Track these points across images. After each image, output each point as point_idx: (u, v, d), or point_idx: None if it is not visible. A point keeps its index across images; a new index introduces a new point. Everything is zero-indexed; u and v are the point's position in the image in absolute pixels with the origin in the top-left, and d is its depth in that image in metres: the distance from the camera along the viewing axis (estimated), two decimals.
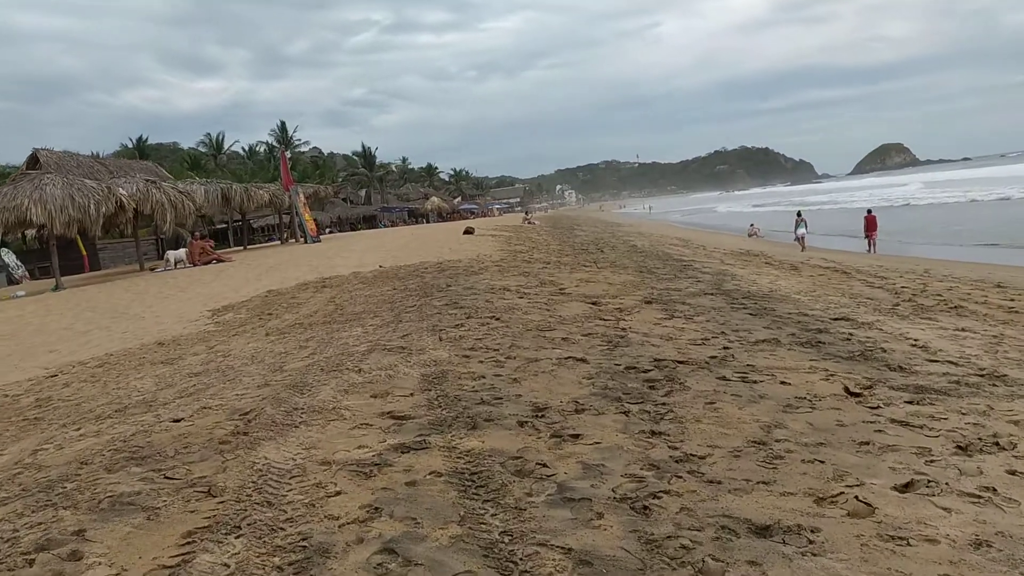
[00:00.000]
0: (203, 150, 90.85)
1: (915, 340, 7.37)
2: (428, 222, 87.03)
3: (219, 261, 23.88)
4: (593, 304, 9.32)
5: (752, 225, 41.57)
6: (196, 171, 69.45)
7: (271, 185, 38.70)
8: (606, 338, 6.89)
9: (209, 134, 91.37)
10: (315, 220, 39.80)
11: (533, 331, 7.12)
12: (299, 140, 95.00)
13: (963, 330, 8.17)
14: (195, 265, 23.41)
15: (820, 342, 7.04)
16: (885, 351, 6.67)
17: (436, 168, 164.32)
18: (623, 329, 7.48)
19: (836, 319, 8.71)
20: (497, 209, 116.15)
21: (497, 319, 7.58)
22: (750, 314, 8.89)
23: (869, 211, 28.97)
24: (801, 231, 27.75)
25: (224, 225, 46.81)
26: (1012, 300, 11.09)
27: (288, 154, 47.97)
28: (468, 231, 27.85)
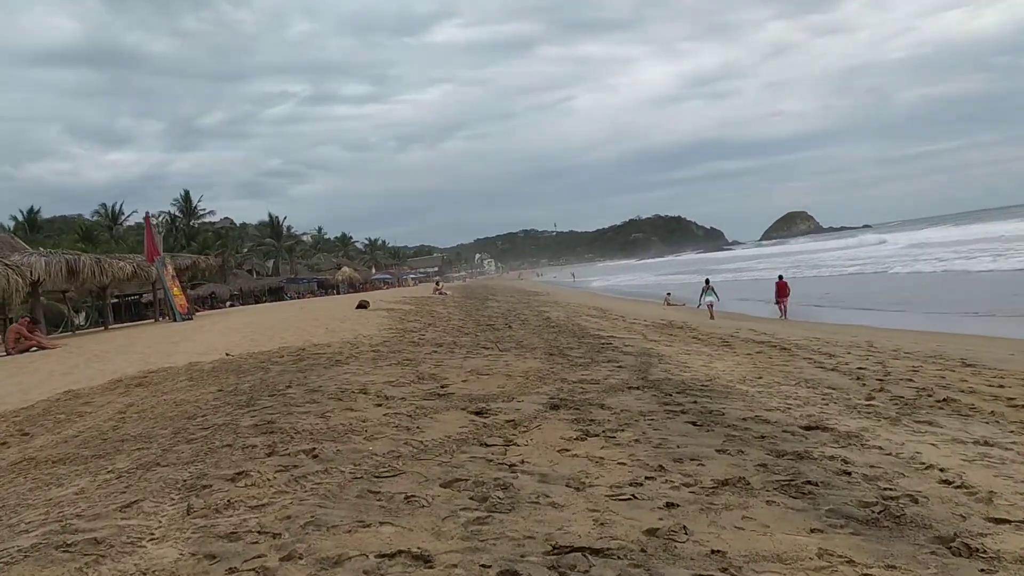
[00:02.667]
0: (100, 221, 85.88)
1: (940, 469, 4.98)
2: (339, 293, 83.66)
3: (39, 348, 20.14)
4: (478, 414, 6.69)
5: (668, 294, 40.11)
6: (88, 243, 64.54)
7: (136, 256, 34.81)
8: (480, 491, 4.25)
9: (104, 204, 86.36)
10: (187, 294, 35.69)
11: (364, 479, 4.43)
12: (204, 210, 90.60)
13: (986, 443, 5.87)
14: (9, 354, 19.54)
15: (809, 482, 4.57)
16: (916, 500, 4.25)
17: (351, 238, 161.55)
18: (512, 467, 4.87)
19: (809, 428, 6.31)
20: (412, 279, 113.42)
21: (315, 455, 4.87)
22: (693, 423, 6.41)
23: (780, 277, 28.36)
24: (710, 299, 27.14)
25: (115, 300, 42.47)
26: (1001, 387, 8.99)
27: (154, 220, 43.84)
28: (362, 305, 25.02)
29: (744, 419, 6.70)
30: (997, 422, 6.78)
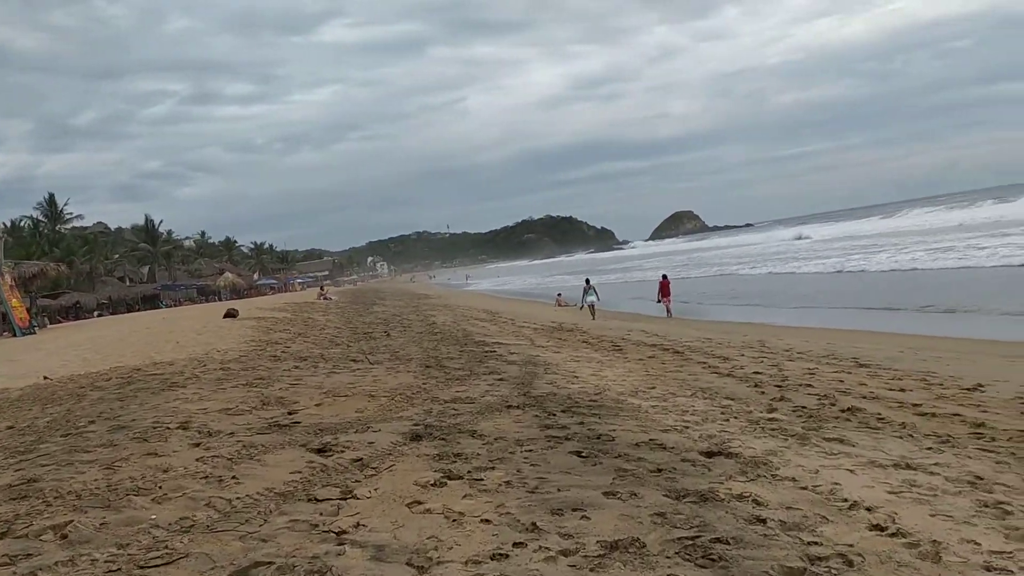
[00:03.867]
0: None
1: (867, 508, 4.13)
2: (220, 299, 79.76)
3: None
4: (320, 451, 5.48)
5: (559, 295, 39.60)
6: None
7: None
8: None
9: None
10: (27, 307, 32.15)
11: (120, 573, 3.17)
12: (71, 214, 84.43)
13: (907, 466, 5.11)
14: None
15: (718, 539, 3.61)
16: (850, 562, 3.34)
17: (235, 242, 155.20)
18: (342, 535, 3.72)
19: (711, 454, 5.42)
20: (299, 283, 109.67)
21: (65, 535, 3.56)
22: (578, 454, 5.40)
23: (664, 276, 28.40)
24: (590, 299, 26.87)
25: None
26: (902, 390, 8.44)
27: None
28: (229, 314, 23.12)
29: (637, 444, 5.75)
30: (911, 435, 6.08)
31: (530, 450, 5.54)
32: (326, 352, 12.96)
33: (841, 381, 9.26)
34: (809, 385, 8.93)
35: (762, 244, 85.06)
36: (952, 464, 5.13)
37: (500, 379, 9.59)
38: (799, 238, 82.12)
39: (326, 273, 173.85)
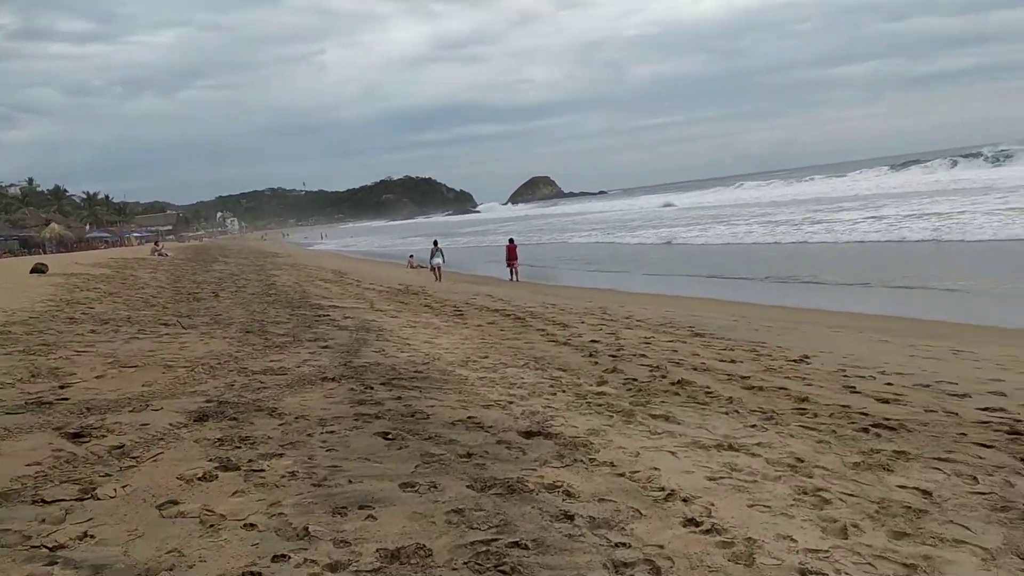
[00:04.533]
0: None
1: (684, 499, 3.81)
2: (45, 252, 73.45)
3: None
4: (76, 437, 4.63)
5: (411, 256, 38.83)
6: None
7: None
8: None
9: None
10: None
11: None
12: None
13: (730, 447, 4.87)
14: None
15: (516, 544, 3.16)
16: (657, 569, 2.96)
17: (66, 191, 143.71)
18: (56, 550, 3.00)
19: (530, 434, 5.00)
20: (136, 237, 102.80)
21: None
22: (385, 435, 4.84)
23: (511, 240, 28.17)
24: (436, 260, 26.74)
25: None
26: (732, 361, 8.39)
27: None
28: (37, 269, 20.84)
29: (453, 423, 5.25)
30: (737, 411, 5.90)
31: (331, 431, 4.93)
32: (135, 314, 11.72)
33: (675, 351, 9.16)
34: (643, 355, 8.75)
35: (623, 212, 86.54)
36: (774, 444, 4.94)
37: (325, 347, 8.87)
38: (667, 205, 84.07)
39: (169, 228, 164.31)
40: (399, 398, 6.03)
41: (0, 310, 11.12)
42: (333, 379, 6.74)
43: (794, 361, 8.39)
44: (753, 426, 5.45)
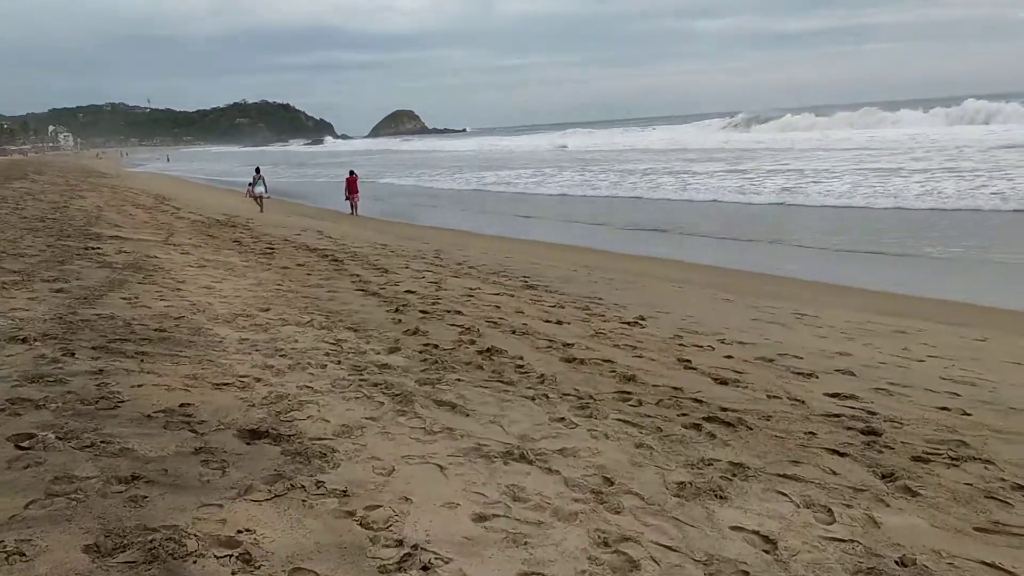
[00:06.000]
0: None
1: (428, 572, 2.51)
2: None
3: None
4: None
5: (250, 185, 35.79)
6: None
7: None
8: None
9: None
10: None
11: None
12: None
13: (522, 456, 3.65)
14: None
15: None
16: None
17: None
18: None
19: (258, 435, 3.59)
20: None
21: None
22: (21, 441, 3.29)
23: (352, 172, 26.33)
24: (259, 189, 24.94)
25: None
26: (559, 322, 7.24)
27: None
28: None
29: (151, 416, 3.76)
30: (546, 396, 4.69)
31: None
32: None
33: (498, 307, 7.93)
34: (459, 312, 7.46)
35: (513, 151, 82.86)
36: (582, 451, 3.75)
37: (58, 290, 7.03)
38: (563, 147, 78.84)
39: None
40: (100, 372, 4.43)
41: None
42: (24, 340, 5.01)
43: (628, 323, 7.34)
44: (561, 420, 4.25)
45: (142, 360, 4.82)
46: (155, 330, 5.72)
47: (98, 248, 10.21)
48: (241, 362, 5.03)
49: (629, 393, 4.86)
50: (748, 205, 22.97)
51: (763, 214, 21.16)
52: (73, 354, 4.77)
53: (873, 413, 4.63)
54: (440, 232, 19.17)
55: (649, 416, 4.40)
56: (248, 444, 3.54)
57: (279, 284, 8.75)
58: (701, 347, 6.40)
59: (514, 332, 6.64)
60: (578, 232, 19.18)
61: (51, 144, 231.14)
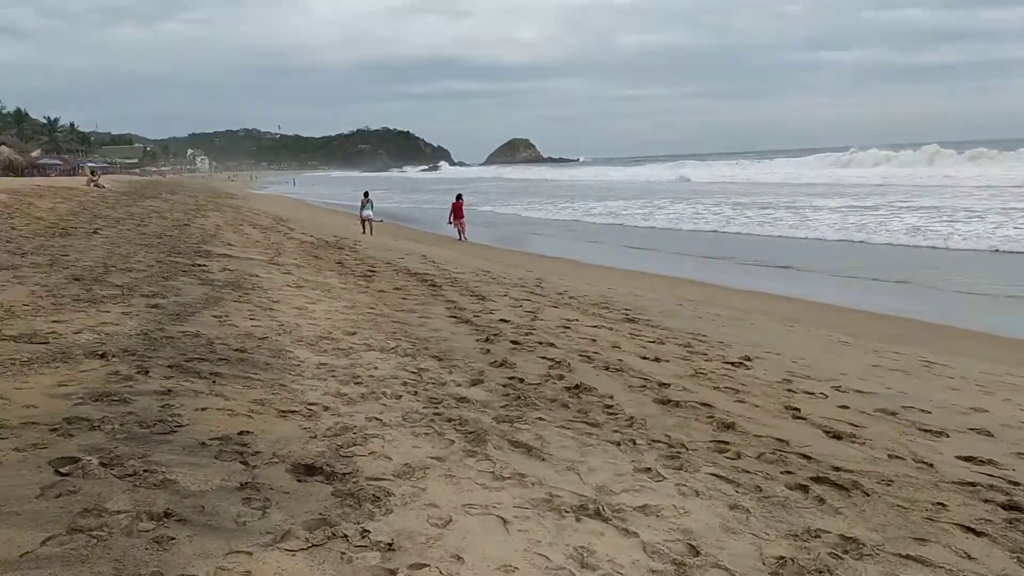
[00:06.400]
0: None
1: None
2: None
3: None
4: None
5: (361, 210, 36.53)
6: None
7: None
8: None
9: None
10: None
11: None
12: None
13: (596, 514, 3.23)
14: None
15: None
16: None
17: (27, 114, 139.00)
18: None
19: (310, 470, 3.32)
20: (90, 167, 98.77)
21: None
22: (62, 466, 3.12)
23: (459, 197, 26.07)
24: (367, 213, 25.28)
25: None
26: (657, 360, 6.75)
27: None
28: None
29: (207, 443, 3.55)
30: (633, 441, 4.25)
31: None
32: None
33: (594, 340, 7.50)
34: (551, 344, 7.07)
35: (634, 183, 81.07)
36: (666, 509, 3.30)
37: (154, 305, 7.09)
38: (684, 180, 76.40)
39: (134, 161, 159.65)
40: (168, 392, 4.30)
41: None
42: (103, 355, 4.97)
43: (731, 364, 6.77)
44: (647, 470, 3.80)
45: (214, 381, 4.67)
46: (235, 350, 5.61)
47: (204, 265, 10.42)
48: (314, 388, 4.82)
49: (727, 443, 4.35)
50: (872, 246, 21.56)
51: (890, 253, 19.87)
52: (147, 372, 4.68)
53: (1016, 484, 3.96)
54: (544, 260, 18.89)
55: (748, 472, 3.89)
56: (299, 481, 3.27)
57: (372, 307, 8.62)
58: (812, 394, 5.78)
59: (607, 368, 6.20)
60: (687, 265, 18.51)
61: (188, 166, 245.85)
